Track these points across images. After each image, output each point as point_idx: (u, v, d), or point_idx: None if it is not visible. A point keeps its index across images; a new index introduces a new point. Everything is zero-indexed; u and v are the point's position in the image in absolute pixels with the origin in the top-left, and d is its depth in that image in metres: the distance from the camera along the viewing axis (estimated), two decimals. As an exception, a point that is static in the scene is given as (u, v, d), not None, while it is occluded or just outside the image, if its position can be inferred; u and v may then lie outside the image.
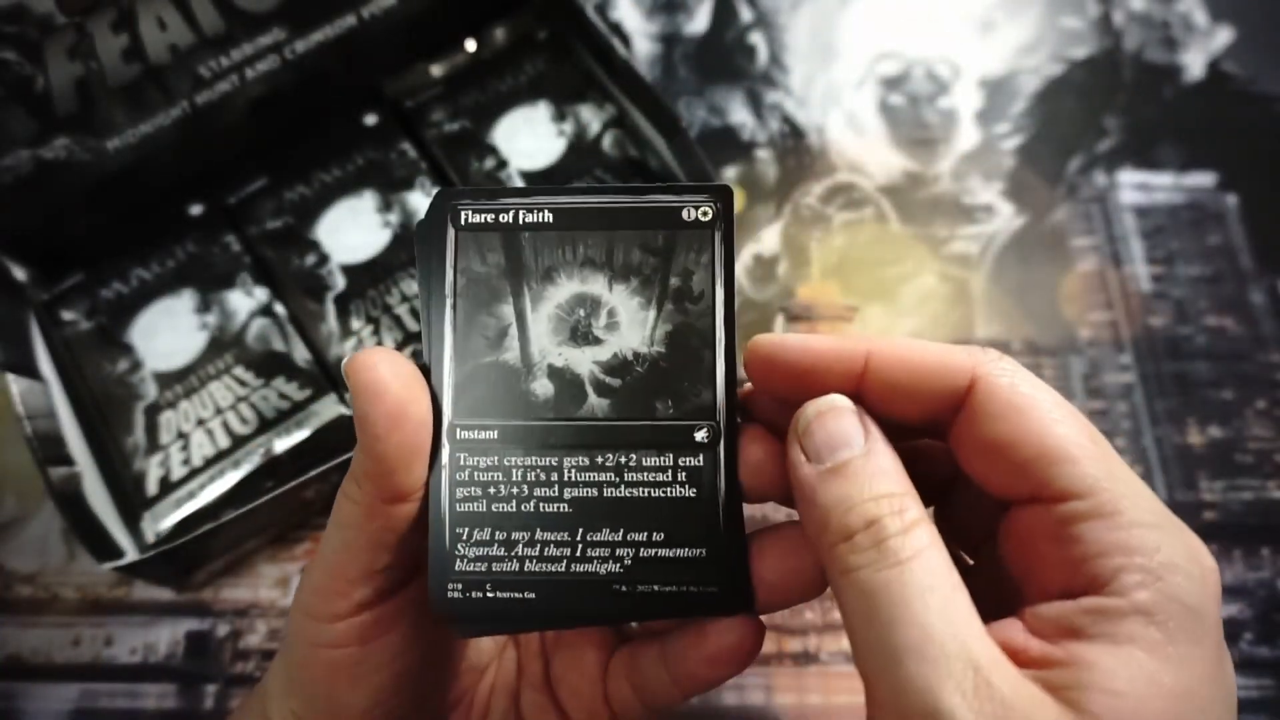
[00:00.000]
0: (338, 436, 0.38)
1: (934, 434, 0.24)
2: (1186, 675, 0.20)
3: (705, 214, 0.24)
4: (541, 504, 0.24)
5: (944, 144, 0.50)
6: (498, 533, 0.24)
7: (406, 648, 0.26)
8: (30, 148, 0.37)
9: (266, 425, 0.38)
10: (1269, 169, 0.49)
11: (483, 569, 0.24)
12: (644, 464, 0.24)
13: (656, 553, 0.24)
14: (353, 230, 0.42)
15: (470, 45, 0.46)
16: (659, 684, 0.26)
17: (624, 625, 0.29)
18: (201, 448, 0.38)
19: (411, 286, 0.41)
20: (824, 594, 0.24)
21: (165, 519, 0.37)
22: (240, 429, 0.38)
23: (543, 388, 0.24)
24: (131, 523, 0.38)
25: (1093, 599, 0.20)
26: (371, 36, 0.42)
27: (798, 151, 0.50)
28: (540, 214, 0.24)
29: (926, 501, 0.23)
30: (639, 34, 0.53)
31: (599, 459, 0.24)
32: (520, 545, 0.24)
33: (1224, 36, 0.52)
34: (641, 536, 0.24)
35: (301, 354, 0.40)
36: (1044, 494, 0.21)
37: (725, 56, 0.52)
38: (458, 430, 0.24)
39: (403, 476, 0.23)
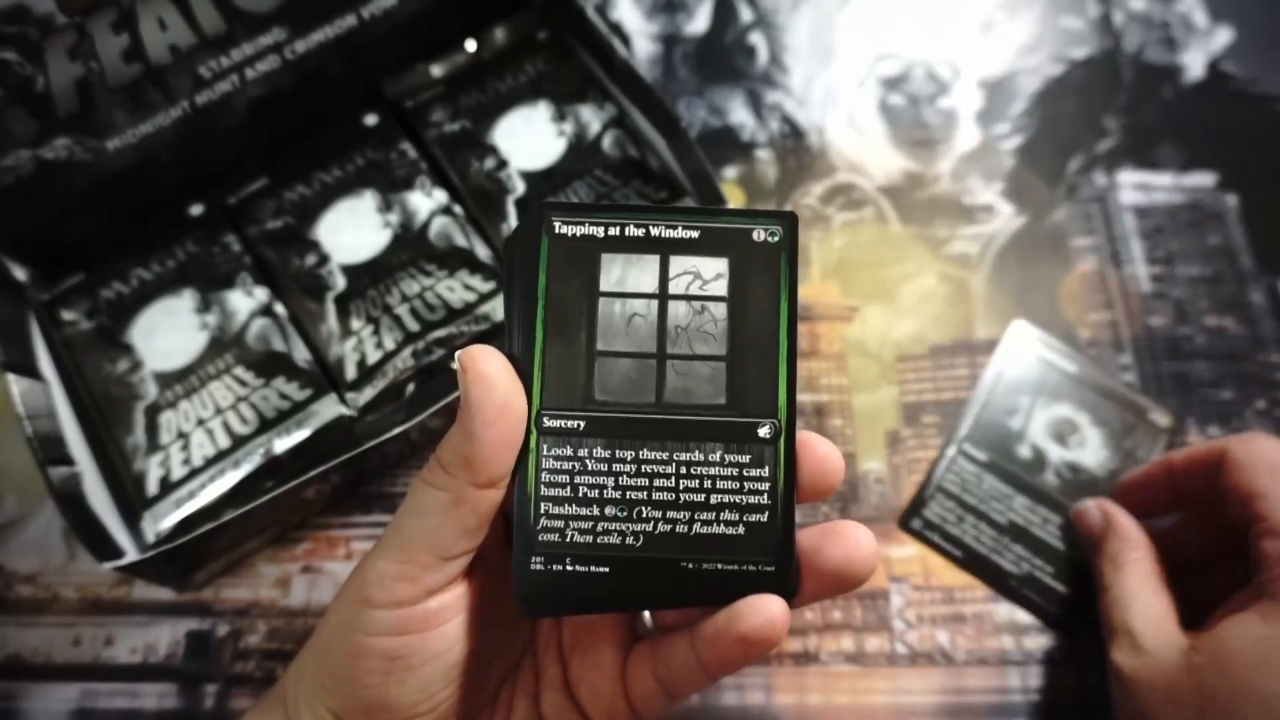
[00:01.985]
0: (337, 436, 0.38)
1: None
2: None
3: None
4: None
5: (944, 144, 0.50)
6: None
7: (458, 639, 0.27)
8: (30, 148, 0.37)
9: (266, 425, 0.38)
10: (1269, 169, 0.49)
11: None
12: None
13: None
14: (353, 230, 0.42)
15: (470, 45, 0.46)
16: (686, 670, 0.27)
17: (671, 611, 0.29)
18: (201, 448, 0.38)
19: (411, 286, 0.41)
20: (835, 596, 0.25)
21: (165, 519, 0.37)
22: (240, 429, 0.39)
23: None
24: (132, 523, 0.38)
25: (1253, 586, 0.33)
26: (371, 36, 0.42)
27: (798, 152, 0.50)
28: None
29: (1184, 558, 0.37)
30: (639, 34, 0.53)
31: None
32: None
33: (1224, 37, 0.52)
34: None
35: (301, 354, 0.40)
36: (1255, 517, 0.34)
37: (725, 57, 0.52)
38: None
39: (498, 464, 0.25)
